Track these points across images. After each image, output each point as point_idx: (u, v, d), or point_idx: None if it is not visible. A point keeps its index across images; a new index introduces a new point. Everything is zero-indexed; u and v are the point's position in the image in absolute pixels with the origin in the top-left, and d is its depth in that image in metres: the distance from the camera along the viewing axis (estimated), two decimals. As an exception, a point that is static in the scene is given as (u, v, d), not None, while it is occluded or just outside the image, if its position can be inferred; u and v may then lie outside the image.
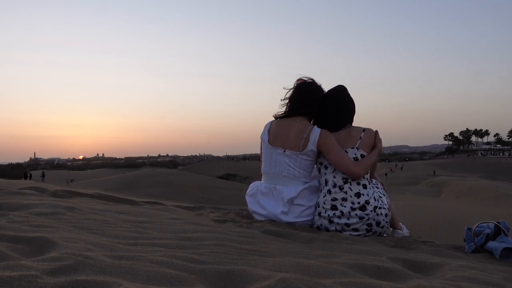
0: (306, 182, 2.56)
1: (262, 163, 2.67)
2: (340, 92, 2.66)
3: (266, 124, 2.69)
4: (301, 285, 1.02)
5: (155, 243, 1.47)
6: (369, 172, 2.55)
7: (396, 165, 65.60)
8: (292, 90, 2.68)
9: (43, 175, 42.36)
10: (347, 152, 2.49)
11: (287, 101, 2.68)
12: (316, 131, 2.51)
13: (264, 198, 2.57)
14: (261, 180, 2.71)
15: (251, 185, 2.75)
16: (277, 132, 2.59)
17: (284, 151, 2.53)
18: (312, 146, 2.49)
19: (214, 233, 1.81)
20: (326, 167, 2.54)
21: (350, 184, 2.44)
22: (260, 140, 2.72)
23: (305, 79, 2.70)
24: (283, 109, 2.69)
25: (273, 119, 2.71)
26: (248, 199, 2.70)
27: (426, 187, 40.11)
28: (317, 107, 2.65)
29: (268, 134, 2.62)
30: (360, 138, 2.52)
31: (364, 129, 2.56)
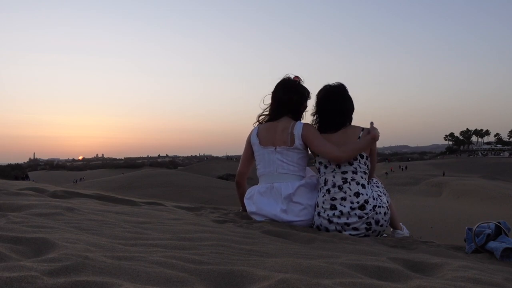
0: (301, 176, 2.61)
1: (257, 166, 2.72)
2: (340, 91, 2.65)
3: (253, 130, 2.76)
4: (301, 285, 1.01)
5: (155, 243, 1.46)
6: (367, 173, 2.55)
7: (400, 167, 64.89)
8: (272, 94, 2.77)
9: (26, 177, 42.15)
10: None
11: (269, 105, 2.78)
12: (298, 125, 2.60)
13: (263, 198, 2.58)
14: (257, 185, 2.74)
15: (248, 190, 2.77)
16: (265, 134, 2.67)
17: (275, 148, 2.60)
18: (298, 140, 2.57)
19: (214, 233, 1.81)
20: (326, 167, 2.55)
21: (350, 184, 2.44)
22: (245, 144, 2.80)
23: (287, 78, 2.77)
24: (267, 112, 2.78)
25: (257, 124, 2.80)
26: (246, 202, 2.71)
27: (426, 187, 40.06)
28: (298, 104, 2.72)
29: (258, 137, 2.69)
30: (359, 137, 2.52)
31: (363, 129, 2.56)
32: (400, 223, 2.71)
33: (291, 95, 2.71)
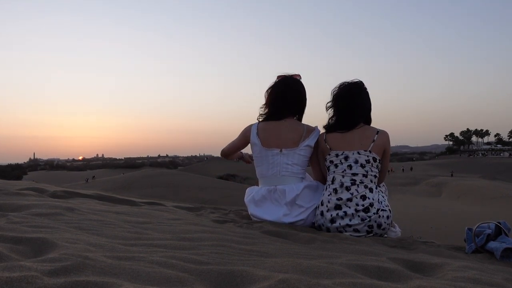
0: (302, 178, 2.58)
1: (258, 168, 2.64)
2: (357, 89, 2.59)
3: (252, 128, 2.63)
4: (301, 285, 1.01)
5: (155, 243, 1.47)
6: (377, 176, 2.50)
7: (402, 168, 64.31)
8: (271, 89, 2.64)
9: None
10: (359, 154, 2.45)
11: (268, 101, 2.64)
12: (317, 130, 2.60)
13: (265, 202, 2.55)
14: (258, 185, 2.69)
15: (248, 190, 2.73)
16: (268, 134, 2.58)
17: (281, 150, 2.53)
18: (310, 142, 2.54)
19: (214, 233, 1.81)
20: (336, 166, 2.50)
21: (358, 186, 2.41)
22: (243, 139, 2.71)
23: (285, 75, 2.67)
24: (265, 109, 2.65)
25: (256, 121, 2.68)
26: (247, 204, 2.68)
27: (426, 187, 40.04)
28: (303, 104, 2.67)
29: (258, 137, 2.59)
30: (374, 140, 2.47)
31: (378, 131, 2.51)
32: (393, 222, 2.71)
33: (296, 93, 2.63)
